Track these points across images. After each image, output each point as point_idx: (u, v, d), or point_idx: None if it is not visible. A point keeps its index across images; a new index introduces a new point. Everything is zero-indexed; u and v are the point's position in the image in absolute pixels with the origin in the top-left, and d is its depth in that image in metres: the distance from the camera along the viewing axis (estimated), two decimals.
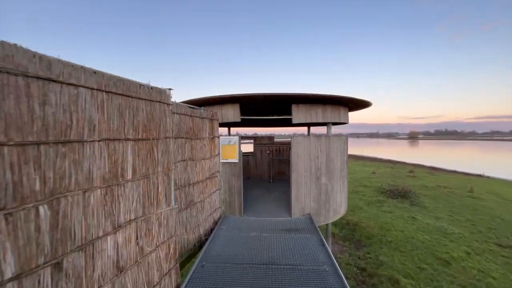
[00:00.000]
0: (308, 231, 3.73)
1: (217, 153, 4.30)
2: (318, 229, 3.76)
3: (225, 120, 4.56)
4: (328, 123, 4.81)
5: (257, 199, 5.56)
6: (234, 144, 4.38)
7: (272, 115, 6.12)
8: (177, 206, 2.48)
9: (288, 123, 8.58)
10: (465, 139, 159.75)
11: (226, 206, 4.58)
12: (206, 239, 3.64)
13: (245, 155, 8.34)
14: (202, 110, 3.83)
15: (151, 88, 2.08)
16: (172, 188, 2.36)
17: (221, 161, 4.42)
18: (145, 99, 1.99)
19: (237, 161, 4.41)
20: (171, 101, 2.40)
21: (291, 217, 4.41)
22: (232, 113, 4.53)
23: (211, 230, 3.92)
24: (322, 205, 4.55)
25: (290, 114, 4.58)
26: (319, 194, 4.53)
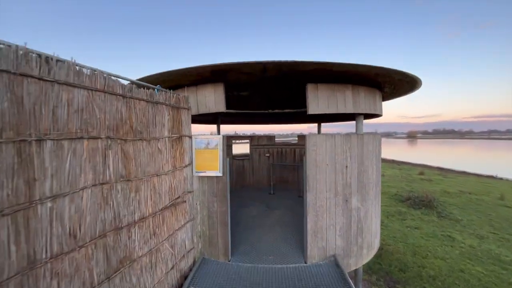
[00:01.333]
0: None
1: (187, 162, 2.67)
2: None
3: (203, 110, 2.92)
4: (359, 114, 3.21)
5: (252, 224, 3.94)
6: (215, 147, 2.75)
7: (273, 109, 4.52)
8: None
9: (290, 118, 6.97)
10: (463, 138, 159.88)
11: (205, 244, 2.95)
12: None
13: (239, 159, 6.70)
14: (155, 90, 2.20)
15: None
16: None
17: (194, 174, 2.79)
18: None
19: (221, 174, 2.78)
20: None
21: (306, 262, 2.80)
22: (213, 98, 2.89)
23: None
24: (353, 240, 2.95)
25: (299, 105, 3.00)
26: (348, 224, 2.92)
